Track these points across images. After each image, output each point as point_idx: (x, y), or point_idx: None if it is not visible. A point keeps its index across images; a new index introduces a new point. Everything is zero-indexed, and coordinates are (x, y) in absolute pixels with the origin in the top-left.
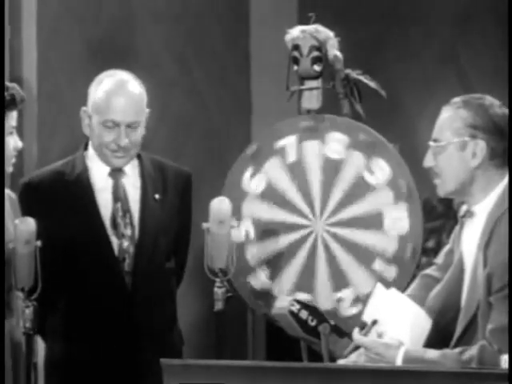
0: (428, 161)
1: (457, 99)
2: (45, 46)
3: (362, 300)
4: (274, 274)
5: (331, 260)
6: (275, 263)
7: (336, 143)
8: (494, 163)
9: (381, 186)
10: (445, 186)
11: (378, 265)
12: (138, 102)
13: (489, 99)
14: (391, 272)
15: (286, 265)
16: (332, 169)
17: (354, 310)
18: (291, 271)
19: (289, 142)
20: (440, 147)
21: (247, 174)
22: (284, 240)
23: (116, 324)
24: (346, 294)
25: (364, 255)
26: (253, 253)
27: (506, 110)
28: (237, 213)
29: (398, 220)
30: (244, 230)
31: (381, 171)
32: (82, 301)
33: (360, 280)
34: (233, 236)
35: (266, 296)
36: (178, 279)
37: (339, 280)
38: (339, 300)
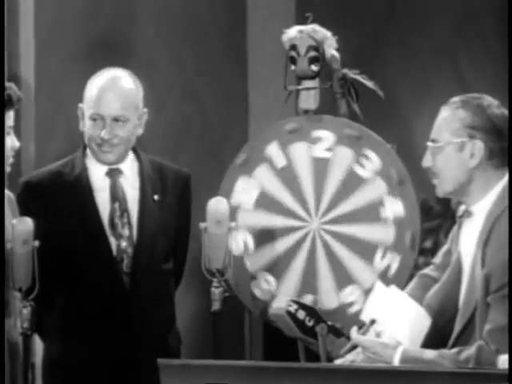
0: (426, 161)
1: (455, 99)
2: (42, 45)
3: (366, 295)
4: (276, 280)
5: (332, 257)
6: (277, 268)
7: (322, 141)
8: (492, 163)
9: (372, 178)
10: (443, 186)
11: (379, 256)
12: (127, 97)
13: (487, 99)
14: (393, 262)
15: (288, 268)
16: (321, 167)
17: (359, 307)
18: (293, 274)
19: (275, 146)
20: (438, 148)
21: (239, 183)
22: (283, 244)
23: (114, 324)
24: (351, 291)
25: (364, 248)
26: (253, 262)
27: (504, 110)
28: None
29: (394, 208)
30: (242, 241)
31: (370, 163)
32: (81, 301)
33: (363, 274)
34: (232, 245)
35: (270, 302)
36: (177, 280)
37: (342, 277)
38: (350, 304)
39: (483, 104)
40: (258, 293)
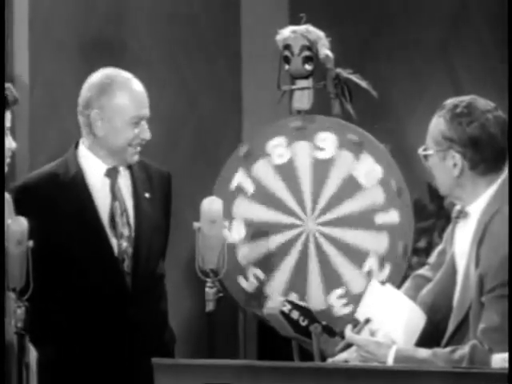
0: (427, 163)
1: (444, 104)
2: (36, 46)
3: (354, 300)
4: (266, 275)
5: (323, 259)
6: (267, 263)
7: (325, 143)
8: (476, 172)
9: (371, 185)
10: (439, 189)
11: (369, 263)
12: (146, 96)
13: (472, 106)
14: (384, 270)
15: (278, 265)
16: (322, 168)
17: (346, 310)
18: (283, 271)
19: (279, 142)
20: (426, 156)
21: (238, 174)
22: (276, 240)
23: (116, 324)
24: (339, 294)
25: (356, 254)
26: (244, 253)
27: (497, 114)
28: (227, 213)
29: (389, 218)
30: (235, 230)
31: (371, 170)
32: (82, 302)
33: (352, 279)
34: (224, 236)
35: (258, 296)
36: None
37: (331, 279)
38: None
39: (463, 113)
40: (245, 285)
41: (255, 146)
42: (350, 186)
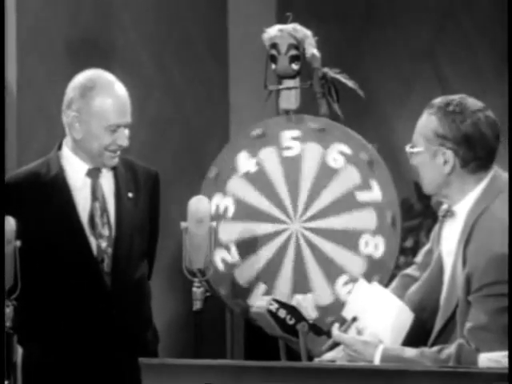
0: (411, 160)
1: (434, 102)
2: (24, 46)
3: (317, 310)
4: (240, 257)
5: (318, 254)
6: (245, 247)
7: (289, 141)
8: (467, 170)
9: (343, 166)
10: (424, 187)
11: (363, 242)
12: (129, 103)
13: (463, 104)
14: (379, 245)
15: (278, 273)
16: (292, 166)
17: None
18: (284, 277)
19: (293, 136)
20: (415, 153)
21: (243, 153)
22: (268, 250)
23: (96, 324)
24: (344, 282)
25: (347, 238)
26: (226, 230)
27: (486, 114)
28: (222, 187)
29: (370, 192)
30: (224, 205)
31: (339, 152)
32: (62, 301)
33: (351, 263)
34: (210, 235)
35: (227, 277)
36: (148, 278)
37: (332, 270)
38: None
39: (455, 111)
40: (217, 261)
41: (224, 166)
42: (324, 174)
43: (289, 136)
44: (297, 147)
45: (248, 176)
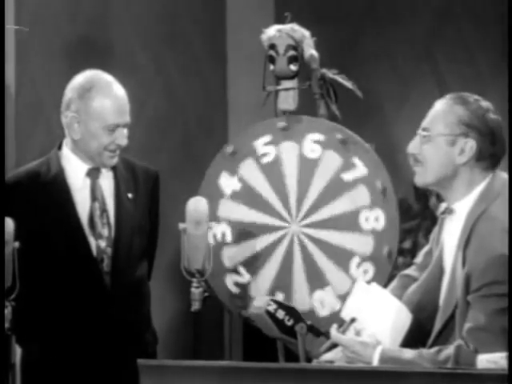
0: (413, 147)
1: (454, 95)
2: (22, 46)
3: (339, 300)
4: (251, 275)
5: (308, 261)
6: (252, 264)
7: (312, 143)
8: (479, 164)
9: (356, 185)
10: (426, 175)
11: (355, 264)
12: (127, 103)
13: (485, 103)
14: (368, 271)
15: (263, 266)
16: (308, 169)
17: (329, 311)
18: (268, 272)
19: (265, 141)
20: (428, 137)
21: (224, 174)
22: (261, 241)
23: (95, 325)
24: (324, 294)
25: (340, 255)
26: (230, 254)
27: (498, 117)
28: (213, 214)
29: (374, 219)
30: (220, 231)
31: (356, 170)
32: (61, 302)
33: (337, 279)
34: (209, 237)
35: (244, 297)
36: (148, 278)
37: (316, 280)
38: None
39: (483, 106)
40: (230, 285)
41: (241, 145)
42: (336, 187)
43: (261, 143)
44: (272, 151)
45: (235, 196)
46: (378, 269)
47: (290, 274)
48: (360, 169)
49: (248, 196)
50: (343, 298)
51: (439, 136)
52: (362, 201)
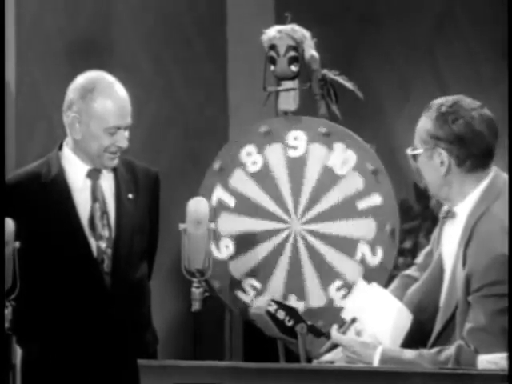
0: (413, 165)
1: (430, 104)
2: (23, 46)
3: (353, 288)
4: (262, 284)
5: (315, 256)
6: (261, 272)
7: (296, 141)
8: (463, 169)
9: (348, 173)
10: (428, 189)
11: (360, 250)
12: (129, 105)
13: (457, 104)
14: (376, 254)
15: (272, 271)
16: (297, 167)
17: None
18: (278, 276)
19: (249, 152)
20: (414, 155)
21: (216, 190)
22: (266, 247)
23: (95, 325)
24: (338, 286)
25: (345, 244)
26: (236, 267)
27: (482, 112)
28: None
29: (371, 201)
30: (224, 246)
31: (345, 158)
32: (61, 302)
33: (347, 269)
34: (214, 249)
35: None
36: (148, 278)
37: (327, 274)
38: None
39: (449, 112)
40: (243, 297)
41: (227, 160)
42: (328, 178)
43: (245, 153)
44: (258, 160)
45: (232, 208)
46: (385, 249)
47: (299, 273)
48: (349, 156)
49: (245, 206)
50: (314, 311)
51: (421, 153)
52: (356, 186)
